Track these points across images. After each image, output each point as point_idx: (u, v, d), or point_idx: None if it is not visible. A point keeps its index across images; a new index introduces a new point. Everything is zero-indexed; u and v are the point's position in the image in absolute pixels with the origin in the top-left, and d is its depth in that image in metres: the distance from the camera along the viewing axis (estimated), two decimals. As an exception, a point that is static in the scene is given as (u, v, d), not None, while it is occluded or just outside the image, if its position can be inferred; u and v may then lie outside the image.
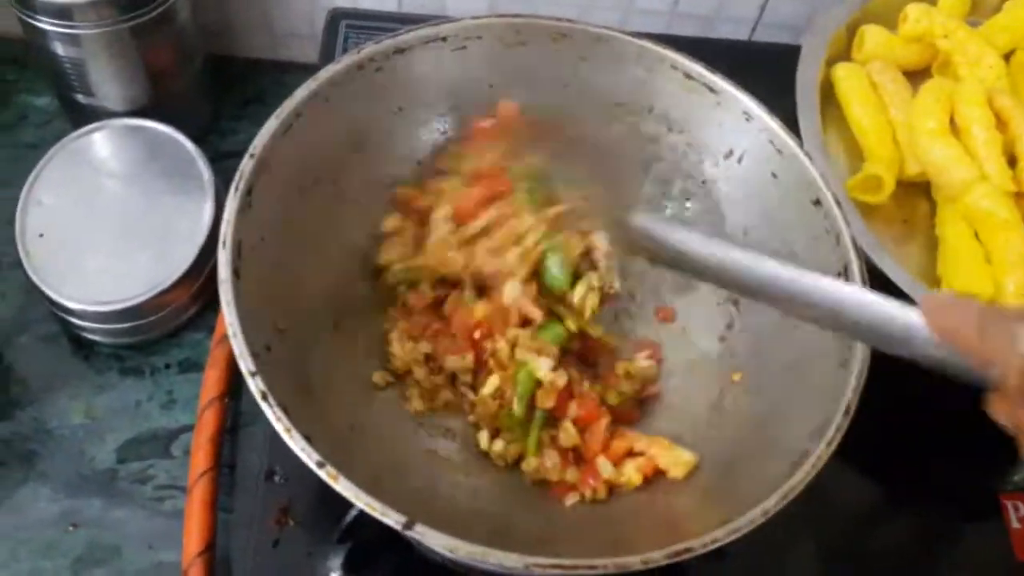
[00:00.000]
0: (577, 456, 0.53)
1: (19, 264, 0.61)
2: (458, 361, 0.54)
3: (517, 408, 0.52)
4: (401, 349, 0.54)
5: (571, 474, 0.52)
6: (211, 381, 0.62)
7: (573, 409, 0.53)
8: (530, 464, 0.52)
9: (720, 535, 0.39)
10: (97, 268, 0.61)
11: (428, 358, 0.55)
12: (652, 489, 0.49)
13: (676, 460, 0.51)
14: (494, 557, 0.36)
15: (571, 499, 0.51)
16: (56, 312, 0.63)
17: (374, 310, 0.56)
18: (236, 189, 0.46)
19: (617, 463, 0.52)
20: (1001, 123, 0.63)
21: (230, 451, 0.62)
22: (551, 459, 0.52)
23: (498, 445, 0.53)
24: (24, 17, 0.63)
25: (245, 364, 0.41)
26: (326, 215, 0.53)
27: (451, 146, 0.58)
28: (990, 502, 0.61)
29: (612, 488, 0.52)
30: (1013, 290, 0.58)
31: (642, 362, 0.56)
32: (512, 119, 0.58)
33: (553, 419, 0.53)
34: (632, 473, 0.51)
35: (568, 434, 0.52)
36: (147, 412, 0.63)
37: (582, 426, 0.53)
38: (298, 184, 0.51)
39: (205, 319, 0.66)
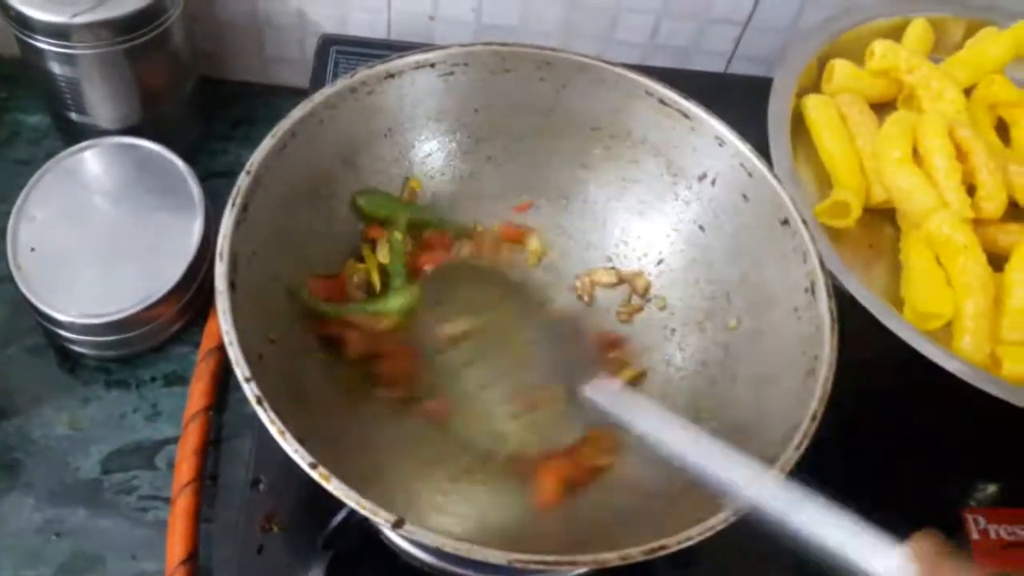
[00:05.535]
0: None
1: (9, 278, 0.62)
2: None
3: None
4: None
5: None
6: (197, 394, 0.63)
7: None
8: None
9: (694, 533, 0.40)
10: (86, 282, 0.62)
11: None
12: (630, 491, 0.51)
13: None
14: (478, 553, 0.38)
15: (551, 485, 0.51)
16: (44, 324, 0.63)
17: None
18: (233, 204, 0.47)
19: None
20: (961, 154, 0.66)
21: (213, 463, 0.63)
22: None
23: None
24: (21, 36, 0.64)
25: (241, 371, 0.42)
26: (316, 231, 0.55)
27: None
28: (951, 514, 0.63)
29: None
30: (971, 312, 0.61)
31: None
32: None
33: None
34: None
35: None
36: (132, 424, 0.64)
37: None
38: (291, 200, 0.52)
39: (191, 334, 0.67)
